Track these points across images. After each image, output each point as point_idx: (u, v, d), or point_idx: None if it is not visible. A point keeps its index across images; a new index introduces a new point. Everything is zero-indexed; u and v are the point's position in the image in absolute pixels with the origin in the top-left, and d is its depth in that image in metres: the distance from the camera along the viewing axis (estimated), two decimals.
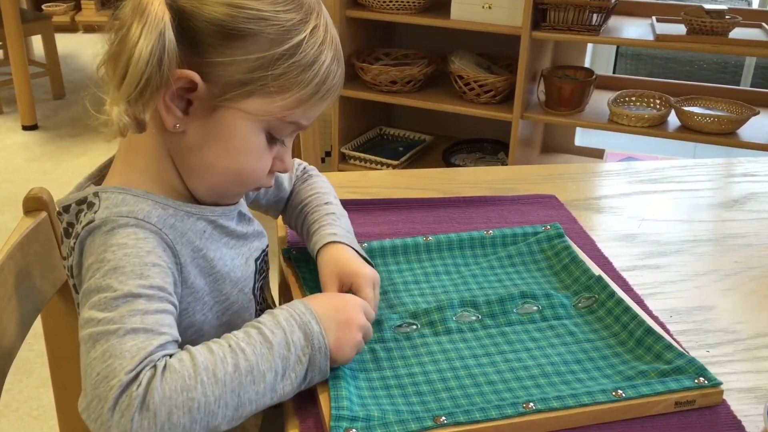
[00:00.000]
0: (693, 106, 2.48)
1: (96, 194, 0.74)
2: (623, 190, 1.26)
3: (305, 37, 0.73)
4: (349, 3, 2.56)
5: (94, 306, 0.67)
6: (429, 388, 0.76)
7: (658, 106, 2.52)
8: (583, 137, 3.00)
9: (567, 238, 1.03)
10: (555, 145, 2.97)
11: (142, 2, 0.68)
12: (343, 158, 2.77)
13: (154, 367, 0.64)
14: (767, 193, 1.26)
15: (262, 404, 0.69)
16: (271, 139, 0.78)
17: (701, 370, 0.77)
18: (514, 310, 0.88)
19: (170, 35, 0.68)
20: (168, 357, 0.66)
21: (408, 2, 2.50)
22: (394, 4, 2.50)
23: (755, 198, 1.23)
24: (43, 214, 0.94)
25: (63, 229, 0.77)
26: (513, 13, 2.38)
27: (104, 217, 0.71)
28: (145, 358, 0.64)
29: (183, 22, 0.70)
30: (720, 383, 0.76)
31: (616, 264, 1.02)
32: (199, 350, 0.67)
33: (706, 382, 0.76)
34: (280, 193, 0.99)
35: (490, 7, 2.41)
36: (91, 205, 0.74)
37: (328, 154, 2.88)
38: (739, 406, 0.77)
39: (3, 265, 0.85)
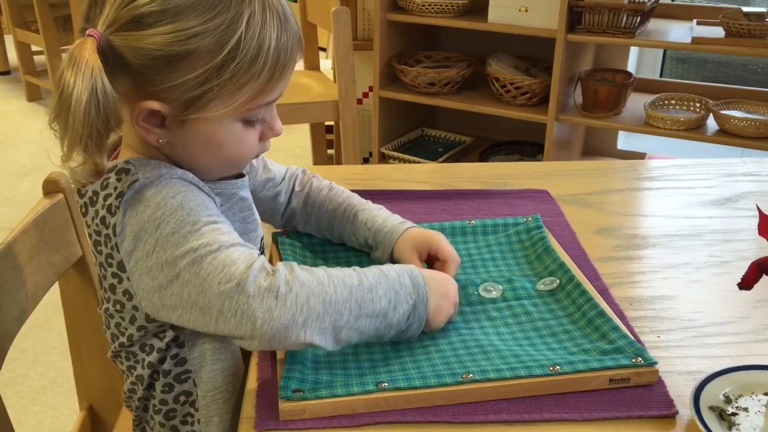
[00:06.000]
0: (733, 109, 2.45)
1: (127, 161, 0.80)
2: (616, 187, 1.29)
3: (241, 33, 0.74)
4: (389, 6, 2.64)
5: (179, 244, 0.74)
6: (381, 357, 0.82)
7: (696, 110, 2.51)
8: (626, 141, 2.99)
9: (545, 229, 1.07)
10: (597, 148, 2.97)
11: (73, 54, 0.71)
12: (383, 158, 2.84)
13: (275, 269, 0.74)
14: (763, 192, 1.28)
15: (372, 328, 0.77)
16: (248, 122, 0.81)
17: (640, 351, 0.81)
18: (476, 292, 0.94)
19: (104, 81, 0.71)
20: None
21: (446, 6, 2.56)
22: (433, 8, 2.56)
23: (749, 197, 1.25)
24: (60, 196, 1.04)
25: (88, 198, 0.82)
26: (549, 16, 2.41)
27: (149, 176, 0.77)
28: (259, 261, 0.74)
29: (121, 60, 0.74)
30: (655, 362, 0.80)
31: (591, 255, 1.06)
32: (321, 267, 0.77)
33: (642, 361, 0.80)
34: (272, 180, 1.04)
35: (526, 10, 2.45)
36: (126, 171, 0.79)
37: (367, 158, 2.94)
38: (679, 387, 0.80)
39: (17, 238, 0.96)
